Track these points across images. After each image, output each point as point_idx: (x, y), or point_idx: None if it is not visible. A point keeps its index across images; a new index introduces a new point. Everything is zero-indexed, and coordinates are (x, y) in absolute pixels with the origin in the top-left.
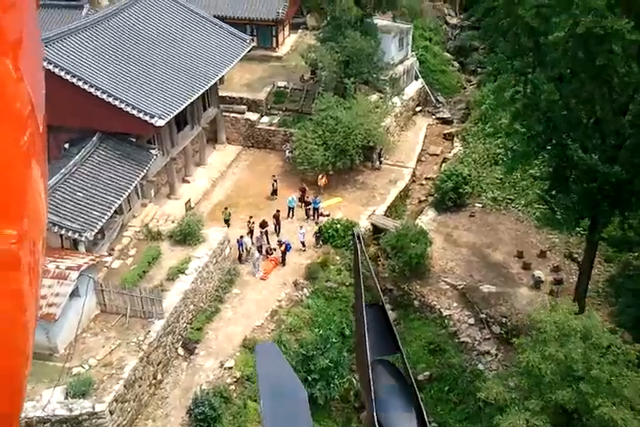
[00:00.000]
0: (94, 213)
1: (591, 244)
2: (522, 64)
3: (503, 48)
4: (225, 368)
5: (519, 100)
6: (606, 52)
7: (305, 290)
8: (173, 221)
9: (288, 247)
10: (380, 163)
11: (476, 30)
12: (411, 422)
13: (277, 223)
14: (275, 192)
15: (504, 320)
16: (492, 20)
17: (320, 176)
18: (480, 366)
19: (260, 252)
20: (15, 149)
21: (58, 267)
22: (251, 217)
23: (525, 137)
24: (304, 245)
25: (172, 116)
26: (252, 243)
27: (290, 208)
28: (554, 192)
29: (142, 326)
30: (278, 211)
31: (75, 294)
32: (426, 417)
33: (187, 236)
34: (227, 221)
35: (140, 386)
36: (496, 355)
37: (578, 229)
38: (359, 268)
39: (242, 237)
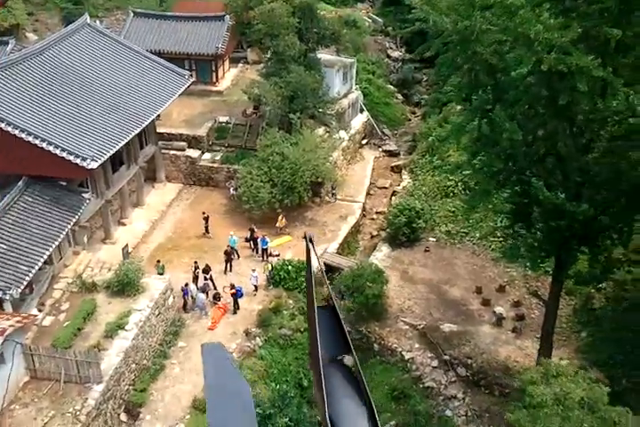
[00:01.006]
0: (21, 266)
1: (557, 282)
2: (480, 101)
3: (460, 85)
4: None
5: (474, 135)
6: (570, 89)
7: (257, 339)
8: (109, 270)
9: (239, 293)
10: (334, 196)
11: (418, 63)
12: (362, 420)
13: (228, 260)
14: (207, 230)
15: (469, 362)
16: (447, 56)
17: (280, 217)
18: (448, 413)
19: (205, 294)
20: None
21: None
22: (195, 262)
23: (486, 175)
24: (256, 289)
25: (106, 157)
26: (197, 288)
27: (232, 248)
28: (515, 228)
29: (79, 393)
30: (229, 246)
31: None
32: (376, 414)
33: (125, 286)
34: (161, 275)
35: None
36: (463, 399)
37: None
38: (311, 270)
39: (186, 284)
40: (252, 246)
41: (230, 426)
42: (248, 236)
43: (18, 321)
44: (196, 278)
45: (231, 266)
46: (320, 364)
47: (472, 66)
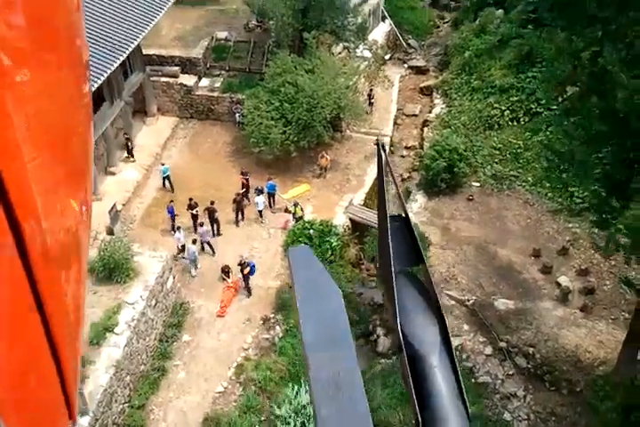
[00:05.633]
0: None
1: None
2: (585, 38)
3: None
4: None
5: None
6: None
7: (277, 328)
8: (95, 240)
9: (252, 270)
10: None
11: None
12: (435, 335)
13: (239, 209)
14: (130, 152)
15: (530, 350)
16: None
17: (321, 155)
18: (506, 416)
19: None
20: (80, 96)
21: None
22: (190, 199)
23: (581, 140)
24: (261, 215)
25: None
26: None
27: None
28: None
29: None
30: (238, 194)
31: None
32: (447, 325)
33: (112, 270)
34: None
35: None
36: (524, 397)
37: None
38: (383, 178)
39: (172, 201)
40: (244, 194)
41: (323, 333)
42: (243, 182)
43: None
44: (194, 217)
45: (243, 215)
46: (393, 275)
47: None
